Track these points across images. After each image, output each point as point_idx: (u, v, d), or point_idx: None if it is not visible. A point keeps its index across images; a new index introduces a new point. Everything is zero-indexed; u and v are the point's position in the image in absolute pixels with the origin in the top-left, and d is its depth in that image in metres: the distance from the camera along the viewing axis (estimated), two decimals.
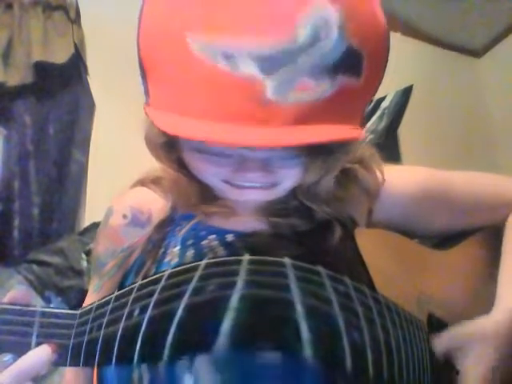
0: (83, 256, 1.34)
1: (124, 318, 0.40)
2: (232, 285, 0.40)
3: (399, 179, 0.57)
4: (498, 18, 2.28)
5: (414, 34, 2.32)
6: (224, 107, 0.38)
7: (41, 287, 1.27)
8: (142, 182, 0.60)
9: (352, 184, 0.56)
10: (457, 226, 0.60)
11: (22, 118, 1.59)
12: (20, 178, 1.56)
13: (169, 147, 0.49)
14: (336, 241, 0.51)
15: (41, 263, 1.34)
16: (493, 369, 0.46)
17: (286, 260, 0.42)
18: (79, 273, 1.31)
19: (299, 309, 0.39)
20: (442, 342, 0.48)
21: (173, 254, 0.51)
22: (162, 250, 0.53)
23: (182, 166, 0.51)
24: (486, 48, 2.50)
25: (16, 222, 1.53)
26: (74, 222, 1.61)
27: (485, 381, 0.46)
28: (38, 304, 0.44)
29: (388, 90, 2.06)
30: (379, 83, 0.43)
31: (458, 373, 0.47)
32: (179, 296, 0.40)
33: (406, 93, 2.07)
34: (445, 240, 0.60)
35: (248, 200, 0.52)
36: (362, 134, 0.41)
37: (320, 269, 0.42)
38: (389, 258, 0.51)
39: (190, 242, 0.52)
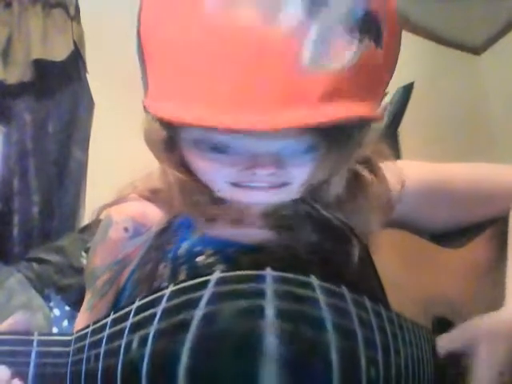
0: (83, 254, 1.34)
1: (122, 350, 0.34)
2: (258, 313, 0.32)
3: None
4: (499, 16, 2.27)
5: (414, 31, 2.31)
6: (242, 84, 0.32)
7: (40, 285, 1.26)
8: (139, 193, 0.55)
9: (360, 192, 0.50)
10: (460, 220, 0.58)
11: (21, 115, 1.58)
12: (19, 176, 1.55)
13: (170, 145, 0.45)
14: (356, 255, 0.46)
15: (41, 261, 1.34)
16: (500, 374, 0.43)
17: (313, 279, 0.35)
18: (79, 271, 1.31)
19: (334, 357, 0.33)
20: (449, 341, 0.45)
21: (161, 277, 0.46)
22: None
23: (184, 168, 0.46)
24: (487, 45, 2.48)
25: (16, 221, 1.52)
26: (73, 220, 1.60)
27: None
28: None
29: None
30: (396, 60, 0.41)
31: (460, 374, 0.45)
32: (184, 326, 0.32)
33: (408, 90, 2.07)
34: (452, 239, 0.59)
35: (254, 203, 0.47)
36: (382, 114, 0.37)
37: (345, 291, 0.36)
38: (398, 262, 0.50)
39: (181, 259, 0.46)
